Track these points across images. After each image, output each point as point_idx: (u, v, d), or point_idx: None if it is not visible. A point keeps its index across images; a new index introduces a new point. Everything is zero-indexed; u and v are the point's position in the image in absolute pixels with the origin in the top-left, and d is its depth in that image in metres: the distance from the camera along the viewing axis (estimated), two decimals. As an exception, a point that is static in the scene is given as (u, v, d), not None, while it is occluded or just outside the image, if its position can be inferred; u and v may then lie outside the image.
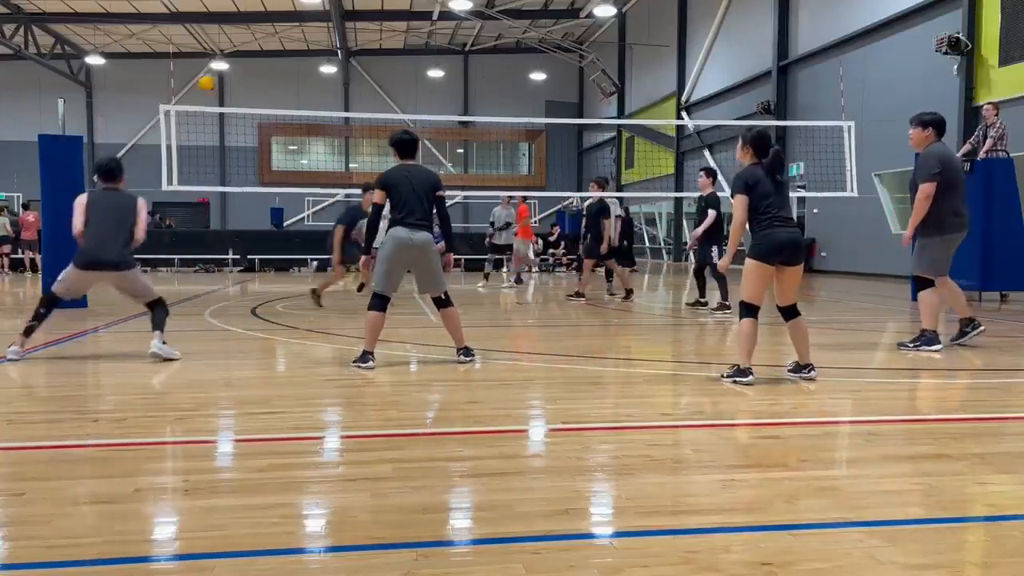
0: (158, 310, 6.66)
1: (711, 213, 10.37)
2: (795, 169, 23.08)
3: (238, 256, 23.12)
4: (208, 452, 3.89)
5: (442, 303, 6.35)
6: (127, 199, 6.85)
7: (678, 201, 31.08)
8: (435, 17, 31.67)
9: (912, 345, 7.02)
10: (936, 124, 6.92)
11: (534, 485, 3.24)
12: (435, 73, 38.69)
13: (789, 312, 5.60)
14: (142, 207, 6.95)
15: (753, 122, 23.19)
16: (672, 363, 6.76)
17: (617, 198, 15.92)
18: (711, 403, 4.98)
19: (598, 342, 8.22)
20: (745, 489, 3.18)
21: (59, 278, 6.63)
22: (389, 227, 6.13)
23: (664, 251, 33.18)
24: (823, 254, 21.93)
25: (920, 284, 7.02)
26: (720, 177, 12.61)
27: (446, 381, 5.71)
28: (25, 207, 21.73)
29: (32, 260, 20.37)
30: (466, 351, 6.37)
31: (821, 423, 4.48)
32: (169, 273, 21.95)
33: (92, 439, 4.03)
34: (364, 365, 6.00)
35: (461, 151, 41.37)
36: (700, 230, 10.53)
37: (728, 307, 10.23)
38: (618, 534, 2.70)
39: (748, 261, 5.56)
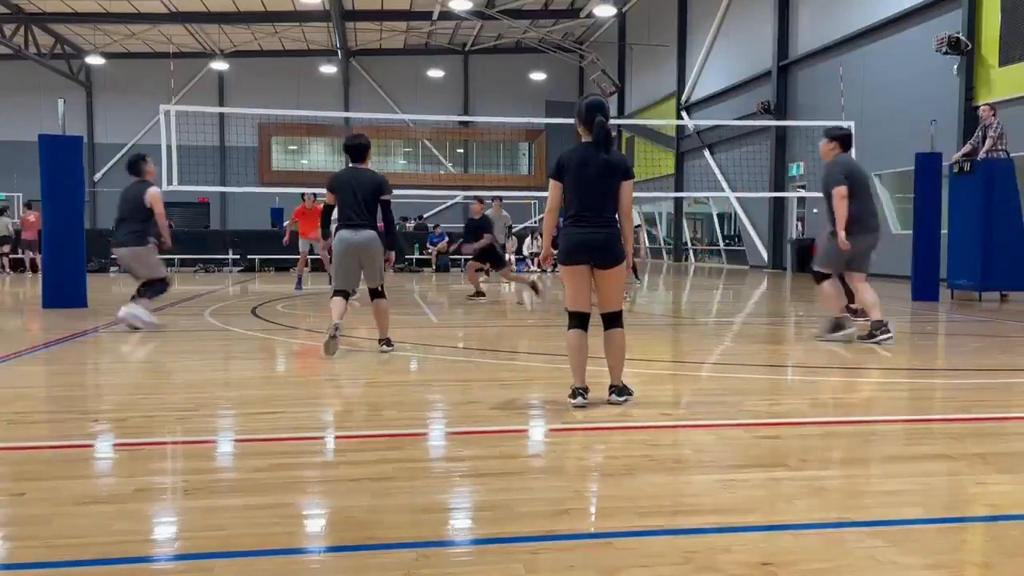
0: (153, 286, 7.64)
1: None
2: (795, 169, 23.08)
3: (238, 256, 23.11)
4: (208, 452, 3.89)
5: (376, 294, 6.88)
6: (140, 189, 8.12)
7: (678, 201, 31.08)
8: (435, 17, 31.65)
9: (825, 335, 7.51)
10: (841, 139, 7.53)
11: (534, 485, 3.24)
12: (435, 73, 38.68)
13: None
14: (151, 197, 8.07)
15: (753, 122, 23.26)
16: (672, 363, 6.76)
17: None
18: (711, 403, 4.98)
19: (597, 342, 8.21)
20: (745, 489, 3.18)
21: None
22: (336, 230, 6.71)
23: (664, 251, 33.18)
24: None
25: (817, 277, 7.58)
26: (720, 176, 12.64)
27: (446, 381, 5.71)
28: (28, 206, 21.67)
29: (32, 260, 20.36)
30: (387, 342, 6.88)
31: (821, 423, 4.48)
32: (169, 273, 21.93)
33: (92, 439, 4.03)
34: (331, 337, 6.53)
35: (461, 151, 41.35)
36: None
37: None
38: (618, 534, 2.70)
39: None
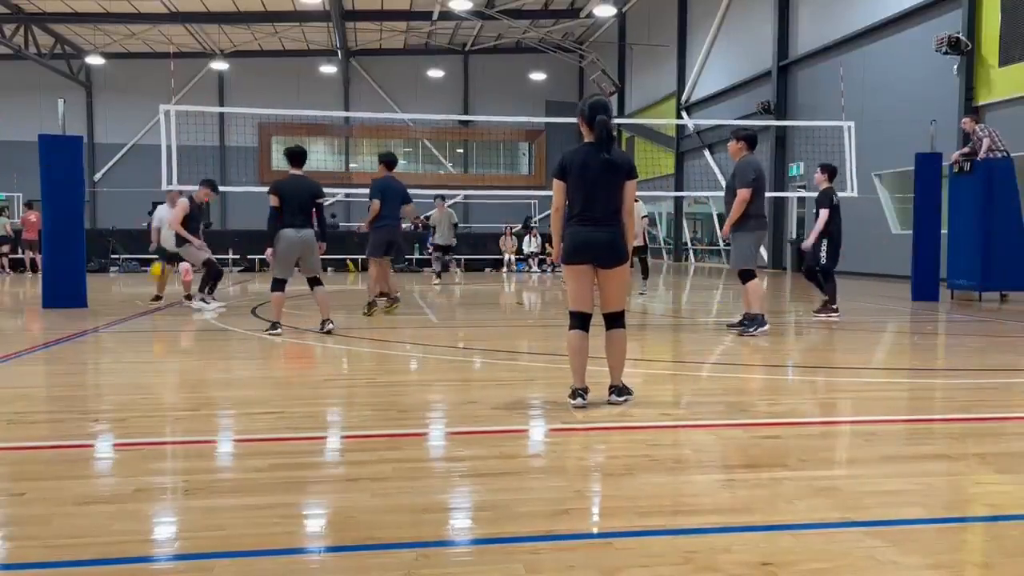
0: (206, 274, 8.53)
1: (823, 212, 10.27)
2: (795, 169, 23.07)
3: (238, 256, 23.10)
4: (208, 452, 3.88)
5: (315, 282, 8.05)
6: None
7: (678, 201, 31.07)
8: (435, 17, 31.64)
9: (741, 329, 8.07)
10: (748, 139, 8.07)
11: (534, 485, 3.24)
12: (435, 73, 38.67)
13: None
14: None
15: (753, 122, 23.24)
16: (672, 363, 6.76)
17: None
18: (711, 403, 4.98)
19: (597, 342, 8.21)
20: (745, 489, 3.18)
21: None
22: (280, 229, 7.73)
23: (664, 251, 33.17)
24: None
25: (745, 276, 8.03)
26: (720, 176, 12.69)
27: (446, 381, 5.71)
28: (28, 206, 21.64)
29: (32, 260, 20.35)
30: (329, 322, 7.97)
31: (821, 423, 4.48)
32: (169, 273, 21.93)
33: (92, 439, 4.03)
34: (273, 332, 7.88)
35: (461, 151, 41.34)
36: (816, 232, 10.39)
37: (836, 310, 10.02)
38: (618, 534, 2.70)
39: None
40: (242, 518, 2.83)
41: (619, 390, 4.73)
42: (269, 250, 7.82)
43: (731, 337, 8.00)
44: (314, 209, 7.91)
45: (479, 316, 10.53)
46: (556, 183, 4.73)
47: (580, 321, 4.71)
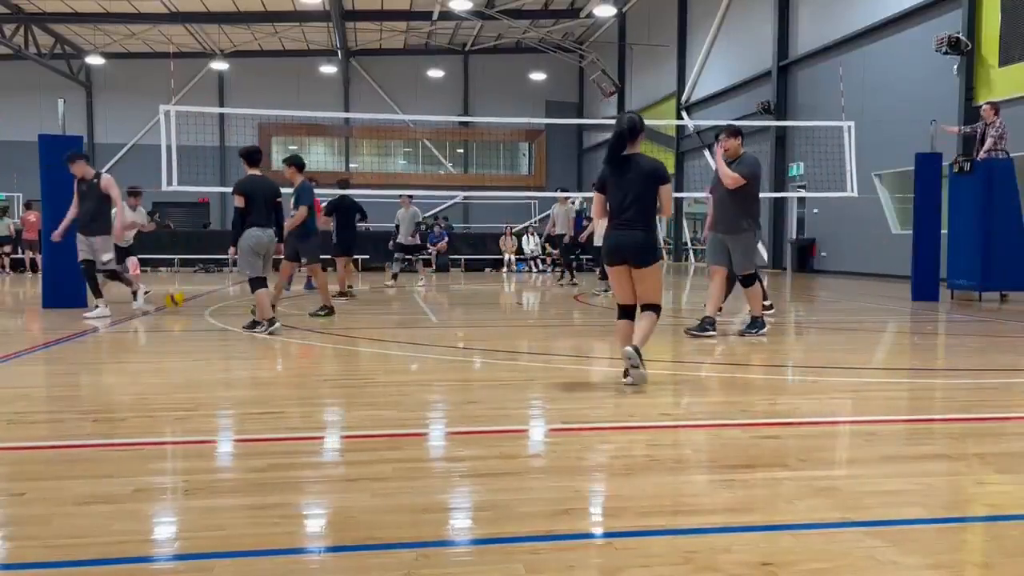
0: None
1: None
2: (795, 169, 23.07)
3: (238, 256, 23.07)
4: (208, 452, 3.88)
5: (262, 283, 8.07)
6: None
7: (678, 201, 31.04)
8: (435, 17, 31.64)
9: (750, 331, 7.87)
10: (742, 134, 7.89)
11: (534, 485, 3.24)
12: (435, 73, 38.66)
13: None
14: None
15: (753, 122, 23.25)
16: (671, 363, 6.76)
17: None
18: (711, 403, 4.98)
19: (598, 343, 8.22)
20: (745, 489, 3.18)
21: None
22: (246, 228, 7.97)
23: (664, 251, 33.19)
24: (823, 254, 21.93)
25: (748, 280, 7.83)
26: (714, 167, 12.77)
27: (446, 381, 5.71)
28: (27, 206, 21.64)
29: (32, 260, 20.35)
30: (260, 324, 7.98)
31: (821, 423, 4.48)
32: (169, 273, 21.96)
33: (92, 439, 4.03)
34: (273, 328, 7.83)
35: (461, 151, 41.34)
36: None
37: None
38: (618, 534, 2.70)
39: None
40: (242, 518, 2.83)
41: (636, 349, 5.14)
42: (232, 249, 8.01)
43: (731, 336, 8.00)
44: (274, 209, 8.22)
45: (479, 316, 10.54)
46: (596, 195, 5.44)
47: (624, 312, 5.42)
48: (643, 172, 5.25)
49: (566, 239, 16.15)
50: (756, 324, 7.97)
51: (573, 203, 18.32)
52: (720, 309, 8.11)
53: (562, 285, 16.22)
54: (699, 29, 28.99)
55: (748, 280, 7.87)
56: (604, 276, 13.52)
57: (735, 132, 7.82)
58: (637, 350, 5.09)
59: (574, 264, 17.55)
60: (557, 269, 19.40)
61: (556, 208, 16.41)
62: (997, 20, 15.83)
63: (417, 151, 40.63)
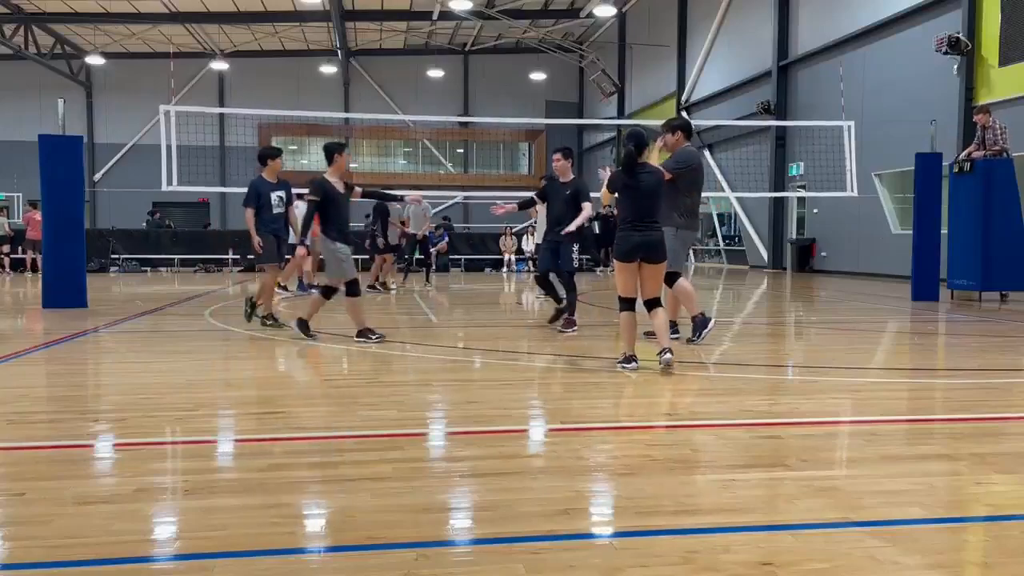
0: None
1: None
2: (795, 169, 23.07)
3: (238, 256, 23.09)
4: (208, 452, 3.89)
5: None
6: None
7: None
8: (435, 17, 31.62)
9: (697, 337, 7.22)
10: (685, 127, 7.60)
11: (534, 485, 3.24)
12: (435, 73, 38.63)
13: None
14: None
15: (753, 122, 23.26)
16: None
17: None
18: (711, 403, 4.98)
19: (598, 343, 8.22)
20: (745, 489, 3.18)
21: None
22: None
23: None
24: (823, 254, 21.93)
25: (670, 278, 7.11)
26: (720, 176, 12.68)
27: (446, 381, 5.71)
28: (32, 205, 21.59)
29: (33, 260, 20.33)
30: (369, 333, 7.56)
31: (821, 423, 4.48)
32: (169, 273, 21.95)
33: (92, 439, 4.03)
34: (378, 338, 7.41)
35: (461, 151, 41.33)
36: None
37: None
38: (618, 534, 2.70)
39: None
40: (242, 518, 2.83)
41: (666, 349, 5.78)
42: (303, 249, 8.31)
43: (731, 337, 8.00)
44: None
45: (479, 316, 10.53)
46: (605, 192, 6.23)
47: (629, 304, 5.95)
48: (655, 180, 5.97)
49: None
50: (700, 326, 7.28)
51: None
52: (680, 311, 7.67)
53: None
54: (699, 29, 28.99)
55: (669, 279, 7.11)
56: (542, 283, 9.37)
57: (673, 128, 7.48)
58: (669, 348, 5.81)
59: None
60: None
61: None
62: (997, 20, 15.82)
63: (417, 151, 40.61)
